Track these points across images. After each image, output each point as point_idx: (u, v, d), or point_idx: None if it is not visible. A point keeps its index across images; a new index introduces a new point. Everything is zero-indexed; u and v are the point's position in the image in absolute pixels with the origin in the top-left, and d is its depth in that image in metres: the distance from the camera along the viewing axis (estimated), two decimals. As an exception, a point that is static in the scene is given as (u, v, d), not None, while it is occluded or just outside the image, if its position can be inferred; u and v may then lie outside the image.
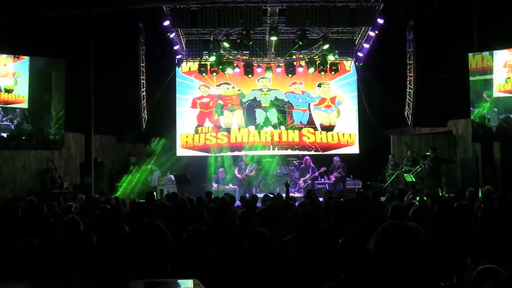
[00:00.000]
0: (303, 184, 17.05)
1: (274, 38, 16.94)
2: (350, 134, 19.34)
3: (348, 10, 15.89)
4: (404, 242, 2.78)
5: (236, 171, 17.64)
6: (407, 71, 18.35)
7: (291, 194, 14.57)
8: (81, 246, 4.23)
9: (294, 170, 17.87)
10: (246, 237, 4.30)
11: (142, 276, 3.14)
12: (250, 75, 18.77)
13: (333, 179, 16.90)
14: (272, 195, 10.04)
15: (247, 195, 13.77)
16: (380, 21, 16.49)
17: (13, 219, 6.11)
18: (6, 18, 14.10)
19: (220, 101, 19.48)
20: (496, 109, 15.32)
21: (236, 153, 18.99)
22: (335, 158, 17.28)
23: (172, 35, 17.36)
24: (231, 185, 17.51)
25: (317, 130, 19.41)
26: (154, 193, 14.90)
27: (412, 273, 2.80)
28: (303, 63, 18.79)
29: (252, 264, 4.12)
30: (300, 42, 16.71)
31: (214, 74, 18.49)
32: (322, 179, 17.41)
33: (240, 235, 3.71)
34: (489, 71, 15.02)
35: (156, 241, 3.31)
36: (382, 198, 10.89)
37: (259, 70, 19.00)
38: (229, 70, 18.43)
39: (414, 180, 15.33)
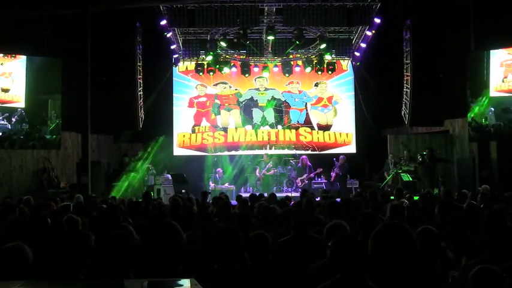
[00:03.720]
0: (300, 183, 17.09)
1: (271, 38, 16.94)
2: (347, 134, 19.36)
3: (345, 10, 15.91)
4: (401, 242, 2.79)
5: (257, 171, 17.78)
6: (404, 71, 18.35)
7: (288, 194, 14.61)
8: (79, 245, 4.23)
9: (291, 170, 17.90)
10: (245, 237, 4.32)
11: (144, 275, 3.16)
12: (247, 75, 18.77)
13: (333, 175, 16.98)
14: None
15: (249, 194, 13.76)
16: (377, 20, 16.50)
17: (11, 219, 6.09)
18: (2, 18, 14.06)
19: (217, 101, 19.47)
20: (492, 109, 15.37)
21: (233, 152, 19.01)
22: (341, 156, 17.34)
23: (169, 35, 17.36)
24: (227, 184, 17.55)
25: (314, 129, 19.41)
26: (152, 193, 14.90)
27: (408, 272, 2.82)
28: (299, 62, 18.78)
29: (251, 265, 4.14)
30: (297, 42, 16.70)
31: (211, 73, 18.47)
32: (320, 179, 17.46)
33: (236, 231, 3.71)
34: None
35: (170, 240, 3.37)
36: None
37: (256, 69, 19.02)
38: (226, 69, 18.40)
39: (411, 180, 15.37)
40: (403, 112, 18.54)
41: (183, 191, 15.04)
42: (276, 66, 18.99)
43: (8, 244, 3.79)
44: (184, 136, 19.32)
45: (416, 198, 9.84)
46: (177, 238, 3.42)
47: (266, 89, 19.58)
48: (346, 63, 19.56)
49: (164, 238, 3.39)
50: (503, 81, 15.16)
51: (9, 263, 3.66)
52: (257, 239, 4.43)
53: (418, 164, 15.53)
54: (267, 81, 19.50)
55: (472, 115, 15.48)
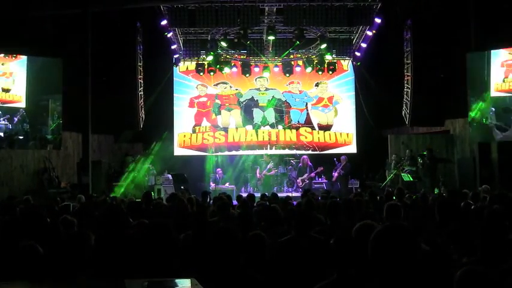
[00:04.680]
0: (301, 183, 17.09)
1: (271, 38, 16.94)
2: (347, 134, 19.35)
3: (346, 10, 15.89)
4: (401, 244, 2.77)
5: (257, 171, 17.82)
6: (405, 71, 18.32)
7: (288, 194, 14.61)
8: (77, 245, 4.23)
9: (292, 169, 17.90)
10: (244, 238, 4.32)
11: (147, 275, 3.17)
12: (247, 75, 18.77)
13: (336, 175, 16.99)
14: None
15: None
16: (377, 20, 16.49)
17: (10, 219, 6.08)
18: (3, 18, 14.07)
19: (217, 101, 19.47)
20: (493, 109, 15.37)
21: (234, 152, 19.01)
22: (342, 157, 17.34)
23: (169, 35, 17.35)
24: (227, 184, 17.56)
25: (314, 129, 19.41)
26: (152, 193, 14.90)
27: (408, 274, 2.81)
28: (300, 62, 18.77)
29: (249, 265, 4.13)
30: (298, 42, 16.71)
31: (212, 73, 18.46)
32: (320, 179, 17.46)
33: (235, 231, 3.71)
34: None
35: (162, 238, 3.37)
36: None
37: (256, 69, 19.01)
38: (226, 69, 18.39)
39: (412, 180, 15.35)
40: (403, 112, 18.53)
41: (182, 187, 15.06)
42: (276, 66, 18.98)
43: (21, 243, 3.82)
44: (184, 136, 19.32)
45: (414, 197, 9.83)
46: (167, 236, 3.43)
47: (267, 89, 19.58)
48: (346, 63, 19.55)
49: (154, 237, 3.41)
50: (503, 81, 15.17)
51: (23, 262, 3.69)
52: (254, 239, 4.42)
53: (419, 166, 15.48)
54: (267, 81, 19.49)
55: (473, 115, 15.50)
